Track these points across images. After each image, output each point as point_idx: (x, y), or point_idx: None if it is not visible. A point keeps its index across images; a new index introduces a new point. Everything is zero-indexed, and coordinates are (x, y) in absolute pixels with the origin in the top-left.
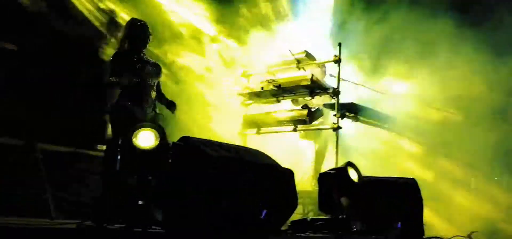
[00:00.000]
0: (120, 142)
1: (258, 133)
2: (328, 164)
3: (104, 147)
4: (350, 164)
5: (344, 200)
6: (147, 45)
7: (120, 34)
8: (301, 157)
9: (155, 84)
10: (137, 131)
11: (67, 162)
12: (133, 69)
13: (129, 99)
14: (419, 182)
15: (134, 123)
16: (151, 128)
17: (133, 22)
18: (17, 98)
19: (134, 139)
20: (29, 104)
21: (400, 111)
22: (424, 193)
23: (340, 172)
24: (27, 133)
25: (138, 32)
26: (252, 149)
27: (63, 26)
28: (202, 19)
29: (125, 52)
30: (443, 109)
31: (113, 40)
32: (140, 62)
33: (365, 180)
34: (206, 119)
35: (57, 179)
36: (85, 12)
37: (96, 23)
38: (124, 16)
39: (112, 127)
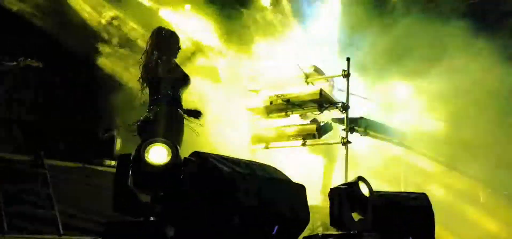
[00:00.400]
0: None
1: (266, 147)
2: (337, 179)
3: (114, 162)
4: (361, 178)
5: (355, 216)
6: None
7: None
8: (309, 172)
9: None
10: (149, 146)
11: (75, 177)
12: (166, 82)
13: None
14: (429, 197)
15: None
16: (164, 143)
17: (163, 30)
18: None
19: (146, 155)
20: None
21: (409, 124)
22: (434, 208)
23: (352, 187)
24: (29, 139)
25: (169, 41)
26: (264, 164)
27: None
28: (209, 33)
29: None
30: (453, 122)
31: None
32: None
33: (376, 195)
34: (215, 134)
35: (65, 195)
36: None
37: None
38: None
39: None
